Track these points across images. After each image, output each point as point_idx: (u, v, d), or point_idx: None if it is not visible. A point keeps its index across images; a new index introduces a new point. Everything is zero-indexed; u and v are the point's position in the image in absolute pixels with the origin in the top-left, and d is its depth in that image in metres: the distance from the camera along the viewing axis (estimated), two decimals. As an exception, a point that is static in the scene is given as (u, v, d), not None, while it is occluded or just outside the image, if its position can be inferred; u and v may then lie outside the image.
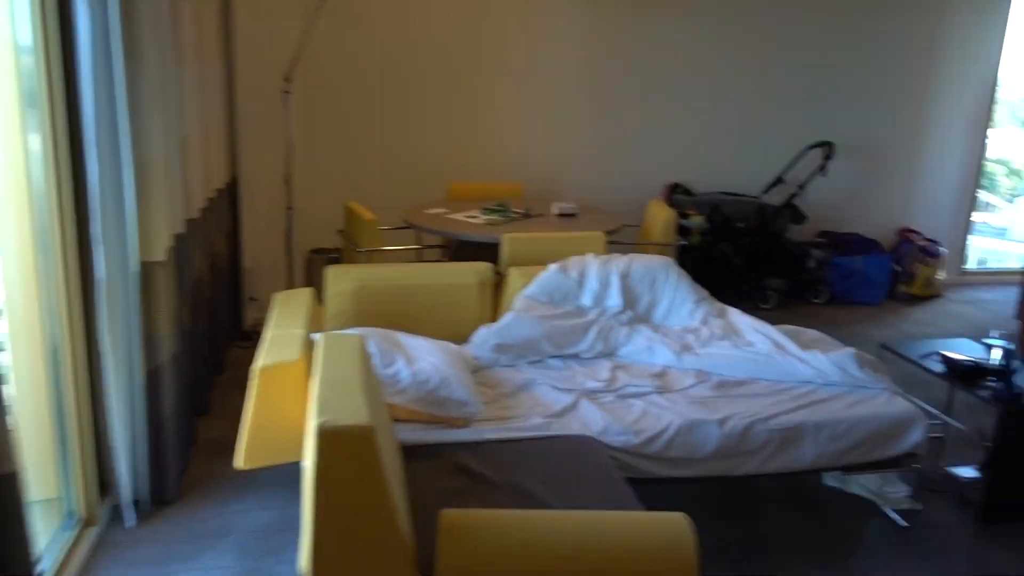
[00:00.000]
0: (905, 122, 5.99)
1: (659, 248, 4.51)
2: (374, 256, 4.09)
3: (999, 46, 5.95)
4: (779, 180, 5.84)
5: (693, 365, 3.21)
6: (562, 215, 4.53)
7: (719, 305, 3.70)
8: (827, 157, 5.53)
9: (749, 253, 5.61)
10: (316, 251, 5.16)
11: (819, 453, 2.81)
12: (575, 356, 3.30)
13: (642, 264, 3.61)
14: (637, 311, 3.57)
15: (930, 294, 5.94)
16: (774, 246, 5.65)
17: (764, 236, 5.58)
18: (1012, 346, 3.11)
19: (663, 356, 3.25)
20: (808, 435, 2.80)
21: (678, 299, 3.62)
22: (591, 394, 2.95)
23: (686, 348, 3.31)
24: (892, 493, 3.11)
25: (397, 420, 2.62)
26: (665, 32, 5.56)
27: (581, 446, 2.57)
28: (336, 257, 4.96)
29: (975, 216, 6.32)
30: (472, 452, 2.49)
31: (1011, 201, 6.97)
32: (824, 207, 5.98)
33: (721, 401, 2.93)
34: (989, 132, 6.13)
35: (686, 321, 3.58)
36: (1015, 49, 6.14)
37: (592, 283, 3.52)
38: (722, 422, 2.76)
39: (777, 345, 3.27)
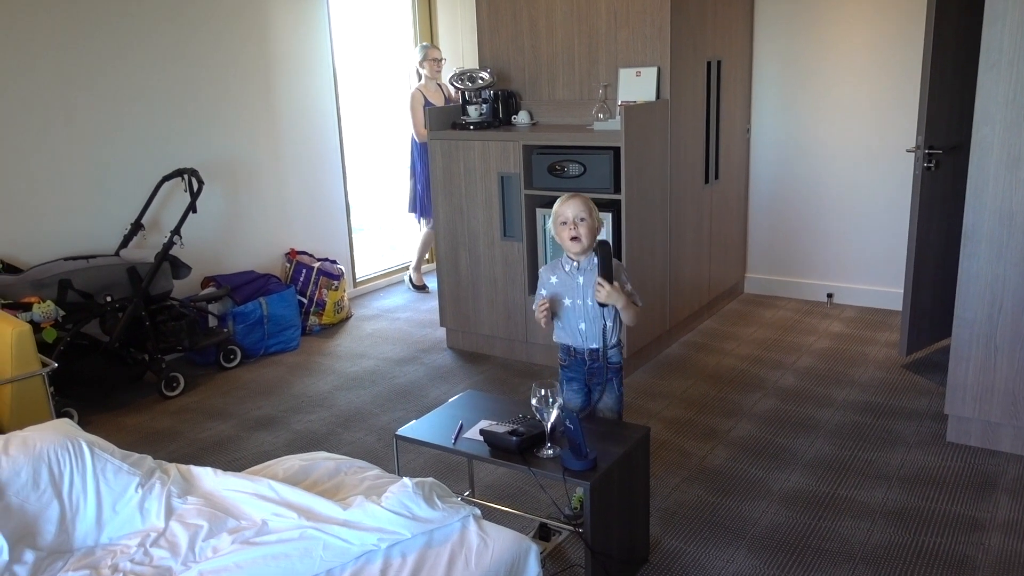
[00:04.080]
0: (260, 133, 5.11)
1: (19, 387, 2.83)
2: None
3: (328, 40, 5.48)
4: (139, 227, 4.44)
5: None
6: None
7: (172, 470, 2.34)
8: (196, 189, 4.33)
9: (129, 331, 4.14)
10: None
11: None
12: None
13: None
14: (23, 554, 1.99)
15: (342, 319, 5.32)
16: (161, 313, 4.28)
17: (145, 304, 4.17)
18: (557, 397, 2.53)
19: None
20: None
21: (106, 489, 2.15)
22: None
23: (164, 580, 1.92)
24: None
25: None
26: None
27: None
28: None
29: (354, 220, 5.89)
30: None
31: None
32: (202, 248, 4.79)
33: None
34: (343, 129, 5.69)
35: (135, 525, 2.14)
36: (342, 40, 5.78)
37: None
38: None
39: (304, 513, 2.12)
